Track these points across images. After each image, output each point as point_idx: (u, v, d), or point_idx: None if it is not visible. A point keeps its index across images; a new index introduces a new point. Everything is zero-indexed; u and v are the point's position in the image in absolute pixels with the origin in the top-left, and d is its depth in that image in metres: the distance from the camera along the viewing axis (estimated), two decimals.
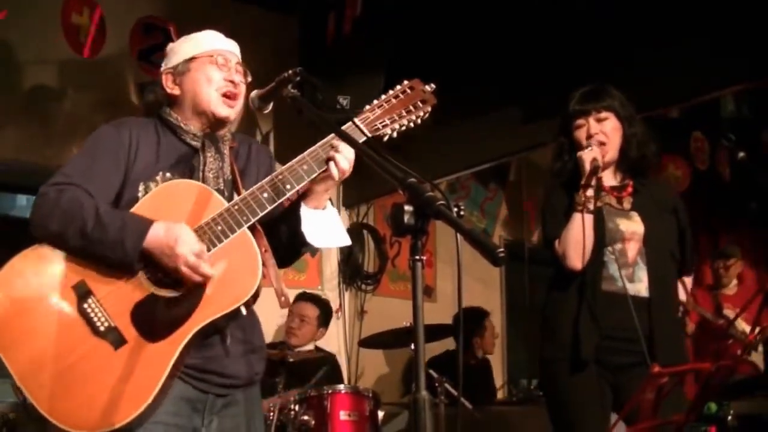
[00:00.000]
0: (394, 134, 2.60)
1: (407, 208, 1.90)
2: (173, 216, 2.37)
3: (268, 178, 2.47)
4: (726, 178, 7.93)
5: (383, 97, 2.62)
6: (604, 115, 3.41)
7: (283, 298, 2.47)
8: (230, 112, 2.63)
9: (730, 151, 7.67)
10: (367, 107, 2.60)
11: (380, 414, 4.55)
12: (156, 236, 2.31)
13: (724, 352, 5.86)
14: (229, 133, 2.70)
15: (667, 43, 4.58)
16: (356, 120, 2.51)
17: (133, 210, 2.41)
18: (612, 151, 3.43)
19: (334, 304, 6.55)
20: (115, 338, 2.30)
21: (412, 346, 1.95)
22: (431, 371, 4.98)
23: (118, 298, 2.32)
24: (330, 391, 4.34)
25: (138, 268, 2.33)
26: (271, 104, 2.54)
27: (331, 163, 2.48)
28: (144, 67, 5.30)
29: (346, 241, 2.69)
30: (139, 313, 2.31)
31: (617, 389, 3.32)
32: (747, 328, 6.10)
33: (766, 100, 7.02)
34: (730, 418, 4.90)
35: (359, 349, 6.29)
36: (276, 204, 2.46)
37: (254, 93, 2.54)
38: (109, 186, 2.48)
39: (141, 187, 2.49)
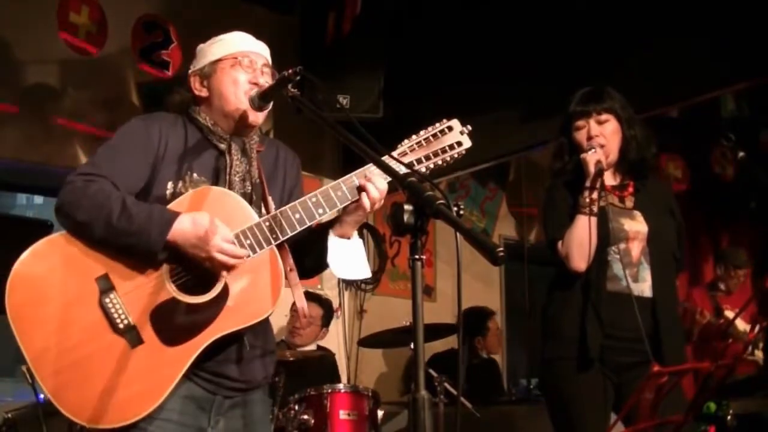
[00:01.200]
0: (426, 172, 2.58)
1: (407, 207, 1.90)
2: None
3: (301, 200, 2.46)
4: (728, 178, 7.93)
5: (422, 133, 2.60)
6: (604, 117, 3.41)
7: (305, 319, 2.50)
8: (258, 115, 2.61)
9: (731, 150, 7.67)
10: (406, 142, 2.58)
11: (380, 413, 4.54)
12: (182, 227, 2.30)
13: (723, 351, 5.86)
14: (256, 136, 2.69)
15: (666, 43, 4.59)
16: (393, 154, 2.46)
17: (169, 207, 2.41)
18: (612, 153, 3.43)
19: (334, 303, 6.56)
20: (133, 337, 2.30)
21: (412, 346, 1.95)
22: (431, 370, 4.98)
23: (139, 297, 2.32)
24: (330, 390, 4.34)
25: (162, 258, 2.33)
26: (271, 103, 2.55)
27: (363, 193, 2.47)
28: (144, 65, 5.30)
29: (367, 273, 2.67)
30: (159, 316, 2.31)
31: (621, 388, 3.32)
32: (747, 327, 6.09)
33: (766, 99, 7.02)
34: (729, 417, 4.90)
35: (359, 349, 6.29)
36: (306, 227, 2.45)
37: (254, 92, 2.54)
38: (136, 180, 2.47)
39: (169, 185, 2.49)
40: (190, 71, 2.70)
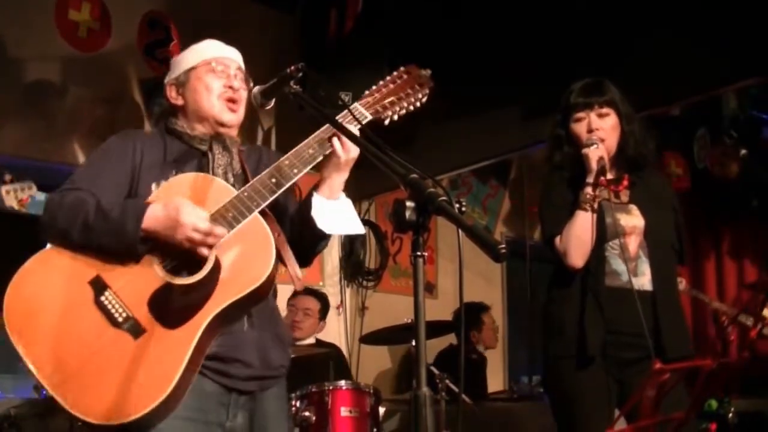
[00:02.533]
0: (395, 117, 2.66)
1: (409, 204, 1.90)
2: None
3: (275, 164, 2.48)
4: (731, 176, 7.93)
5: (381, 82, 2.70)
6: (605, 110, 3.38)
7: (297, 281, 2.51)
8: (233, 117, 2.68)
9: (733, 148, 7.68)
10: (367, 92, 2.67)
11: (381, 410, 4.54)
12: (154, 214, 2.33)
13: (725, 350, 5.85)
14: (237, 137, 2.74)
15: (668, 41, 4.58)
16: (358, 104, 2.59)
17: (148, 200, 2.43)
18: (611, 149, 3.40)
19: (336, 301, 6.56)
20: (134, 328, 2.30)
21: (413, 343, 1.95)
22: (432, 368, 4.98)
23: (134, 289, 2.33)
24: (331, 387, 4.34)
25: (142, 251, 2.34)
26: (273, 100, 2.55)
27: (335, 140, 2.50)
28: (149, 61, 5.31)
29: (360, 229, 2.69)
30: (156, 302, 2.32)
31: (624, 384, 3.30)
32: (749, 322, 6.06)
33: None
34: (730, 415, 4.91)
35: (360, 346, 6.30)
36: (284, 188, 2.47)
37: (256, 89, 2.54)
38: (116, 186, 2.51)
39: (153, 187, 2.51)
40: (165, 81, 2.76)
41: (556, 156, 3.51)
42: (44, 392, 2.29)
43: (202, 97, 2.65)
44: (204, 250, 2.32)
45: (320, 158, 2.52)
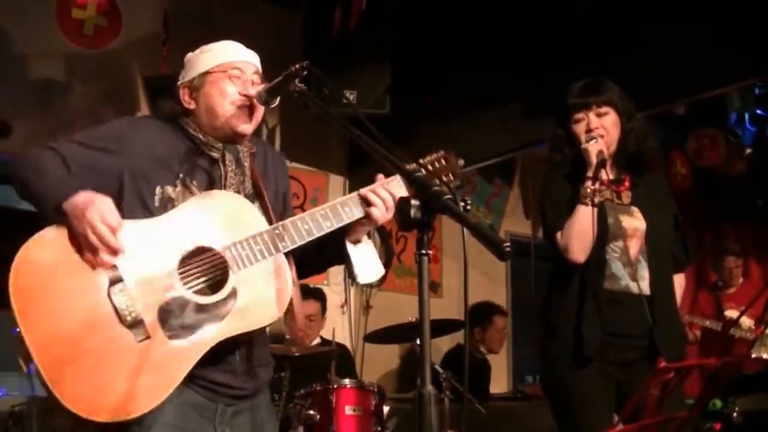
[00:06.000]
0: None
1: (414, 202, 1.90)
2: (215, 224, 2.40)
3: (310, 212, 2.49)
4: (734, 175, 7.92)
5: (421, 160, 2.65)
6: (604, 109, 3.40)
7: (301, 333, 2.53)
8: (248, 126, 2.60)
9: (737, 147, 7.67)
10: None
11: (386, 409, 4.54)
12: (75, 199, 2.28)
13: (729, 348, 5.85)
14: (248, 145, 2.69)
15: (673, 39, 4.57)
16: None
17: (177, 209, 2.42)
18: (611, 145, 3.41)
19: (340, 299, 6.56)
20: (140, 332, 2.28)
21: (418, 341, 1.95)
22: (437, 366, 4.98)
23: (148, 292, 2.30)
24: (335, 386, 4.34)
25: (54, 220, 2.31)
26: (278, 98, 2.54)
27: (373, 208, 2.52)
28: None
29: (381, 271, 2.71)
30: (167, 312, 2.30)
31: (622, 386, 3.32)
32: (752, 324, 6.08)
33: None
34: (735, 414, 4.89)
35: (364, 344, 6.30)
36: (314, 237, 2.48)
37: (261, 87, 2.53)
38: (89, 168, 2.46)
39: (158, 191, 2.47)
40: (179, 83, 2.67)
41: (557, 157, 3.52)
42: (31, 368, 2.24)
43: (217, 103, 2.57)
44: (103, 256, 2.27)
45: (354, 219, 2.53)
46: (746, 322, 6.13)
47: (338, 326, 6.33)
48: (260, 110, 2.61)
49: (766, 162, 7.55)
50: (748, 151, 7.58)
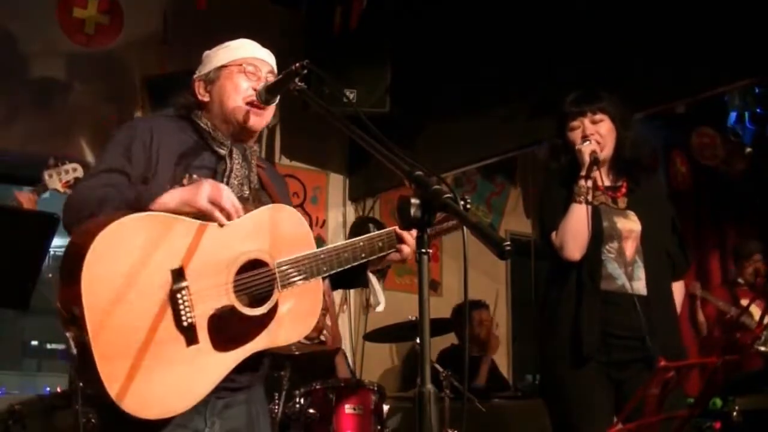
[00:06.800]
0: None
1: (414, 200, 1.89)
2: (272, 237, 2.46)
3: (350, 242, 2.64)
4: (737, 174, 7.92)
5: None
6: (599, 116, 3.46)
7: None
8: (258, 121, 2.62)
9: (739, 146, 7.67)
10: None
11: (385, 408, 4.54)
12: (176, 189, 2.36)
13: (731, 346, 5.83)
14: (256, 146, 2.73)
15: (673, 38, 4.57)
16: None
17: (248, 216, 2.43)
18: (607, 149, 3.46)
19: (340, 298, 6.56)
20: (190, 336, 2.30)
21: (418, 340, 1.95)
22: (437, 365, 4.99)
23: (206, 297, 2.32)
24: (335, 385, 4.34)
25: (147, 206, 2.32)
26: (278, 97, 2.55)
27: (404, 246, 2.73)
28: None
29: (383, 303, 3.01)
30: (217, 320, 2.33)
31: (620, 386, 3.34)
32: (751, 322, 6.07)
33: None
34: (735, 413, 4.90)
35: (364, 343, 6.30)
36: (349, 265, 2.61)
37: (261, 85, 2.54)
38: (138, 166, 2.50)
39: (167, 188, 2.46)
40: (195, 76, 2.71)
41: (554, 164, 3.60)
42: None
43: (229, 97, 2.60)
44: (217, 214, 2.32)
45: (383, 254, 2.73)
46: (756, 312, 6.12)
47: (338, 325, 6.33)
48: (271, 109, 2.63)
49: (767, 161, 7.56)
50: (749, 150, 7.59)
